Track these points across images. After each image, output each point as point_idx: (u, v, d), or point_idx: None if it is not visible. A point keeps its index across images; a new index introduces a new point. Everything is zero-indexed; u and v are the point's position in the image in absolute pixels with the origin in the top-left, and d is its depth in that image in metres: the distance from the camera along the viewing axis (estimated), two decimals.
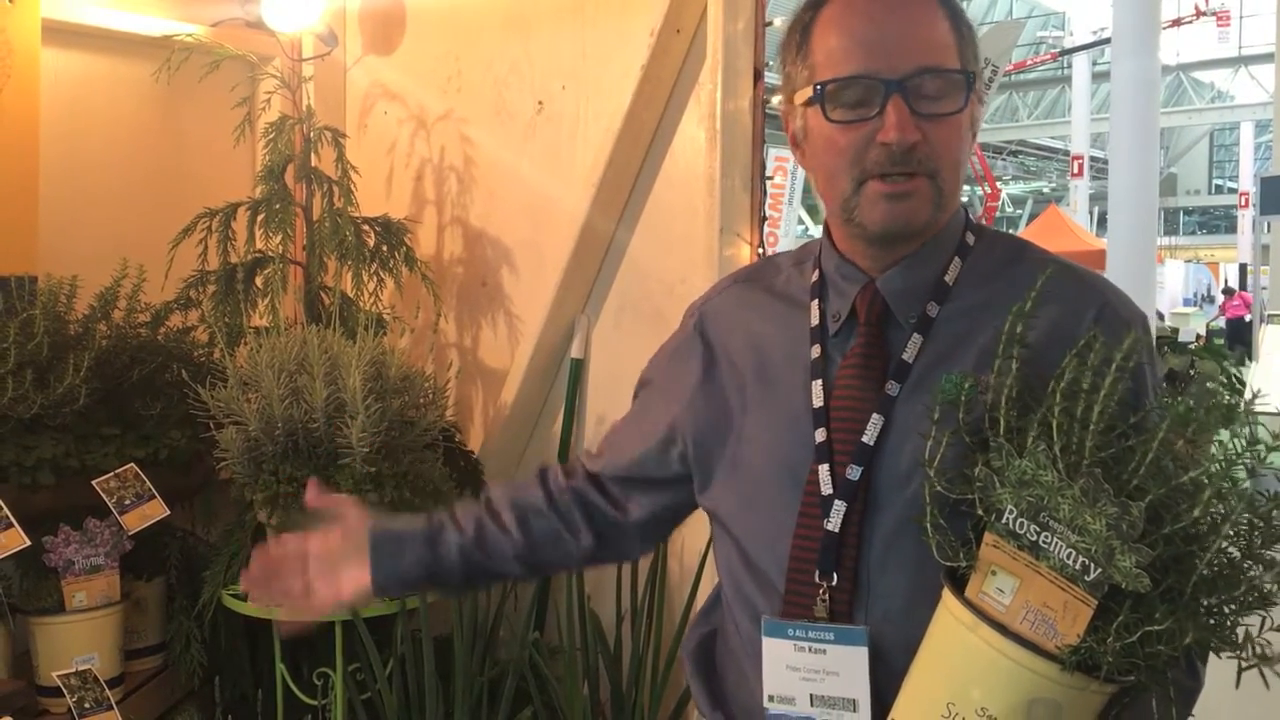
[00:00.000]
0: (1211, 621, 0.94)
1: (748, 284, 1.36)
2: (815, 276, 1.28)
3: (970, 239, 1.25)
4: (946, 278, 1.22)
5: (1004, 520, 0.98)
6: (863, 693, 1.10)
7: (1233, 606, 0.94)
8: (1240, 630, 0.94)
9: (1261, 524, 0.93)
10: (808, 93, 1.18)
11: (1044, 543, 0.96)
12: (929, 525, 1.04)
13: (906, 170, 1.14)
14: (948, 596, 1.02)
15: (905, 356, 1.18)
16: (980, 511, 1.01)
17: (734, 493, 1.26)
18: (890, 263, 1.22)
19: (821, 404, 1.19)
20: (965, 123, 1.18)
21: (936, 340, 1.19)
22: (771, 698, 1.14)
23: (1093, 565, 0.93)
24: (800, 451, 1.19)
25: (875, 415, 1.16)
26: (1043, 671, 0.95)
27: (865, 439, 1.15)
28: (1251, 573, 0.94)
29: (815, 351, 1.22)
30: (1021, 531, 0.97)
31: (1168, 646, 0.93)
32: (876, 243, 1.21)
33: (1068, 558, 0.95)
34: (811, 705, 1.12)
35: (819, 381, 1.20)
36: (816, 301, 1.26)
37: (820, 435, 1.17)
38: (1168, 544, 0.93)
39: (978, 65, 1.20)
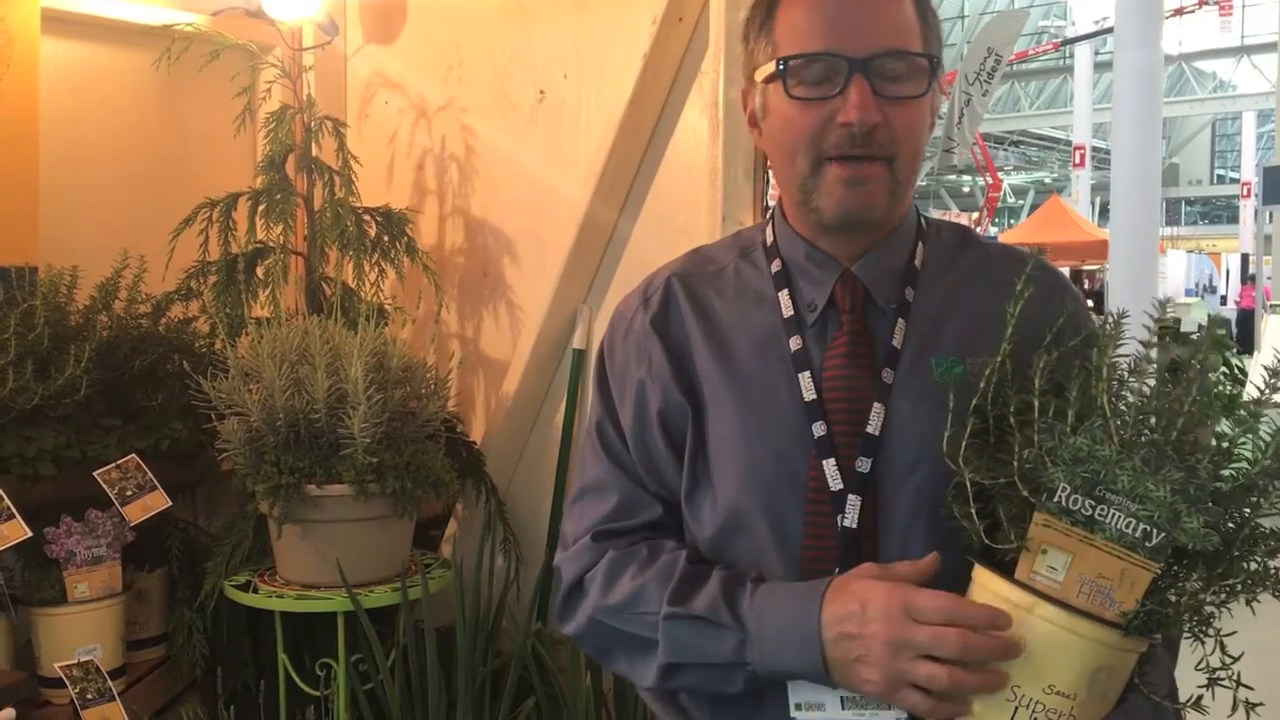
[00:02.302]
0: (1258, 567, 0.99)
1: (686, 277, 1.28)
2: (778, 266, 1.24)
3: (924, 223, 1.27)
4: (915, 261, 1.22)
5: (1056, 498, 1.00)
6: None
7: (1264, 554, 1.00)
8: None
9: None
10: (769, 69, 1.17)
11: (1100, 515, 0.99)
12: (973, 512, 1.05)
13: (866, 153, 1.12)
14: (992, 581, 1.03)
15: (894, 343, 1.17)
16: (1025, 493, 1.02)
17: (725, 496, 1.18)
18: (858, 247, 1.20)
19: (815, 397, 1.15)
20: (926, 108, 1.17)
21: (917, 324, 1.18)
22: (799, 706, 1.11)
23: (1155, 531, 0.97)
24: (792, 447, 1.15)
25: (876, 404, 1.14)
26: (1105, 640, 0.99)
27: (870, 429, 1.13)
28: None
29: (796, 343, 1.18)
30: (1075, 507, 1.00)
31: (1218, 599, 0.99)
32: (834, 230, 1.19)
33: (1127, 527, 0.98)
34: (844, 708, 1.10)
35: (806, 374, 1.16)
36: (786, 292, 1.22)
37: (820, 429, 1.14)
38: (1224, 501, 0.98)
39: (940, 52, 1.19)
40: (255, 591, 2.37)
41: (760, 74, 1.19)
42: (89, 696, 2.19)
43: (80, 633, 2.29)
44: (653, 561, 1.18)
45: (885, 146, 1.13)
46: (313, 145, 2.77)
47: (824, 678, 1.07)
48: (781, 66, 1.15)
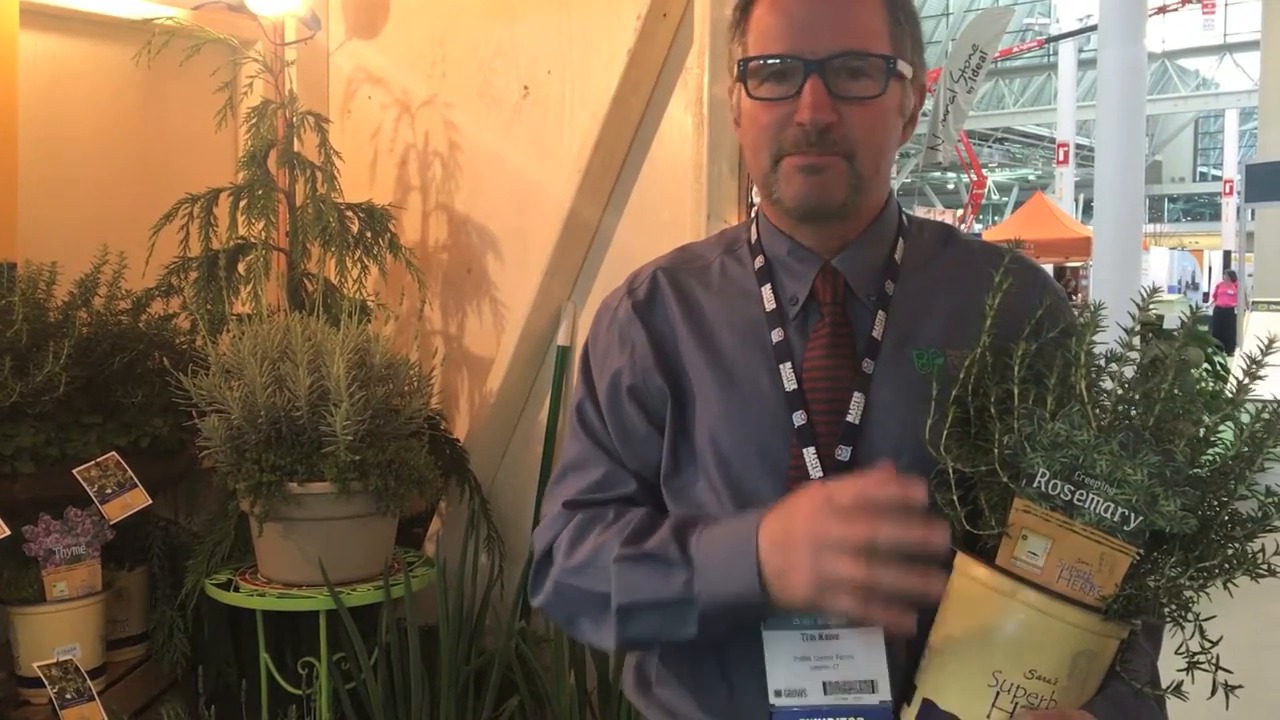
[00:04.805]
0: (1235, 551, 1.00)
1: (672, 271, 1.31)
2: (760, 262, 1.26)
3: (905, 220, 1.29)
4: (896, 256, 1.25)
5: (1035, 484, 1.01)
6: (880, 672, 1.10)
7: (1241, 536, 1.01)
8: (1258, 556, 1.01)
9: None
10: (737, 69, 1.21)
11: (1078, 500, 1.00)
12: (955, 499, 1.05)
13: (822, 152, 1.15)
14: (973, 567, 1.03)
15: (875, 334, 1.19)
16: (1005, 479, 1.03)
17: (706, 483, 1.20)
18: (835, 241, 1.23)
19: (796, 387, 1.17)
20: (890, 108, 1.18)
21: (897, 317, 1.21)
22: (779, 692, 1.11)
23: (1133, 515, 0.98)
24: (773, 437, 1.17)
25: (856, 394, 1.16)
26: (1085, 624, 1.00)
27: (850, 419, 1.15)
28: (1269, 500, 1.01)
29: (778, 335, 1.21)
30: (1054, 492, 1.01)
31: (1195, 583, 1.00)
32: (801, 220, 1.21)
33: (1105, 511, 0.99)
34: (825, 694, 1.10)
35: (788, 364, 1.19)
36: (769, 286, 1.24)
37: (800, 418, 1.16)
38: (1201, 485, 0.99)
39: (916, 54, 1.21)
40: (237, 590, 2.36)
41: (735, 74, 1.23)
42: (68, 696, 2.17)
43: (59, 632, 2.27)
44: (618, 521, 1.20)
45: (841, 145, 1.15)
46: (295, 140, 2.75)
47: (766, 603, 1.05)
48: (742, 68, 1.19)
